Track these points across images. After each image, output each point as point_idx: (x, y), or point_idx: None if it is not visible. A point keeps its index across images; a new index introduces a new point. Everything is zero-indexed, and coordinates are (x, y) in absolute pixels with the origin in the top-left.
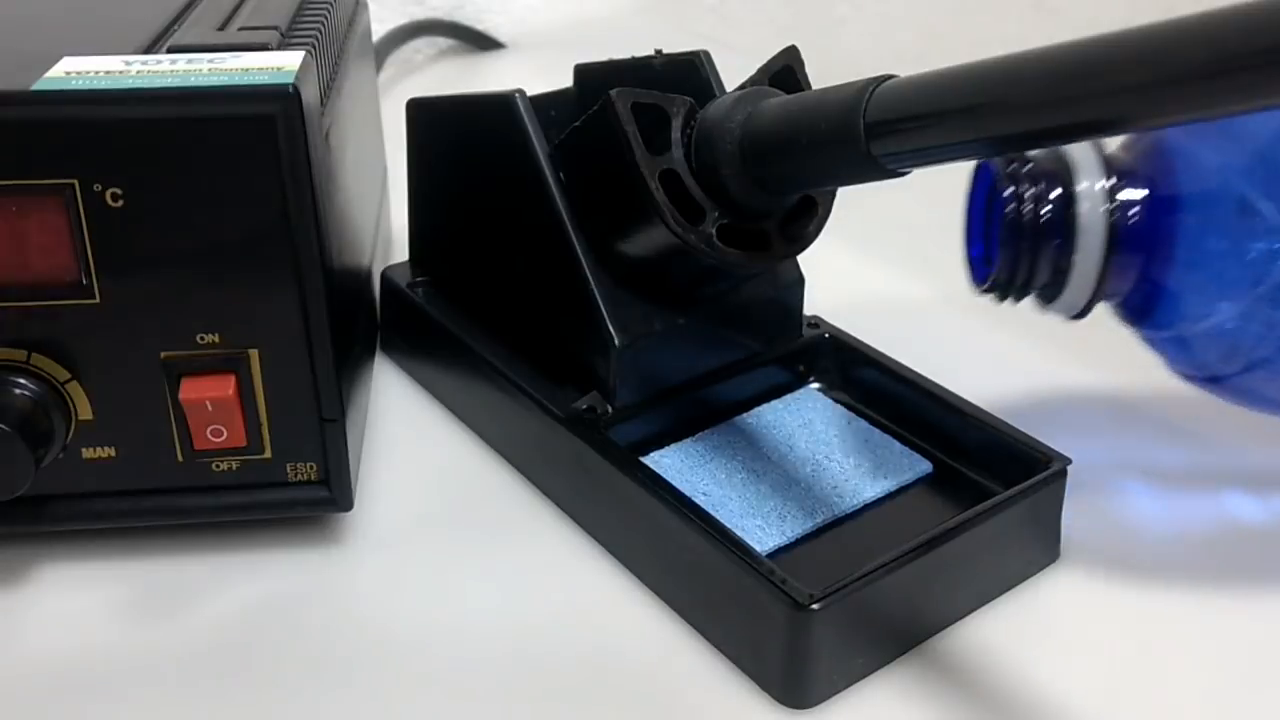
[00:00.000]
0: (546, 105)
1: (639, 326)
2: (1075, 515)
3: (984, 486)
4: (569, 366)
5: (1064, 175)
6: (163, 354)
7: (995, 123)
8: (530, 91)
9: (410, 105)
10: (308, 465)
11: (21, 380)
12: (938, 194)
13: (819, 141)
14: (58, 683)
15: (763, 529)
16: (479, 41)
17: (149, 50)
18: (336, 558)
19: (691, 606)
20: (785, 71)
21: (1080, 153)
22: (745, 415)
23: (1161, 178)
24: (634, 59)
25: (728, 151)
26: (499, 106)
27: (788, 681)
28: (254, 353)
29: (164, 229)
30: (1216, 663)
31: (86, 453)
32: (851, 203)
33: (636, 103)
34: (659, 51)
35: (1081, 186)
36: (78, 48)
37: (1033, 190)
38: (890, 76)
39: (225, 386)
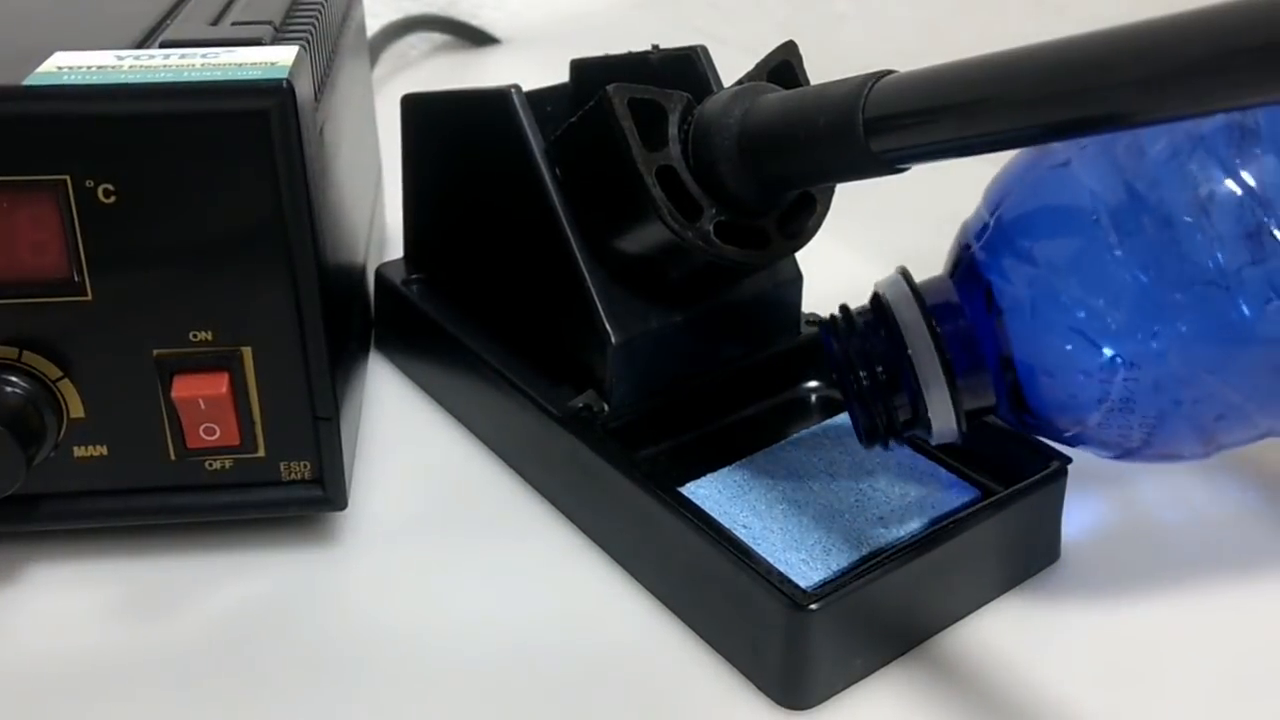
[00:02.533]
0: (542, 101)
1: (636, 324)
2: (1076, 515)
3: (983, 485)
4: (565, 364)
5: (890, 326)
6: (155, 351)
7: (995, 118)
8: (526, 87)
9: (405, 101)
10: (301, 464)
11: (13, 378)
12: (938, 189)
13: (817, 137)
14: (48, 683)
15: (806, 563)
16: (474, 37)
17: (142, 45)
18: (330, 557)
19: (688, 606)
20: (783, 67)
21: (900, 301)
22: (783, 442)
23: (977, 293)
24: (631, 54)
25: (725, 147)
26: (494, 102)
27: (786, 682)
28: (247, 350)
29: (157, 225)
30: (1219, 664)
31: (78, 451)
32: (851, 198)
33: (633, 98)
34: (656, 47)
35: (912, 341)
36: (70, 42)
37: (864, 357)
38: (889, 72)
39: (218, 384)
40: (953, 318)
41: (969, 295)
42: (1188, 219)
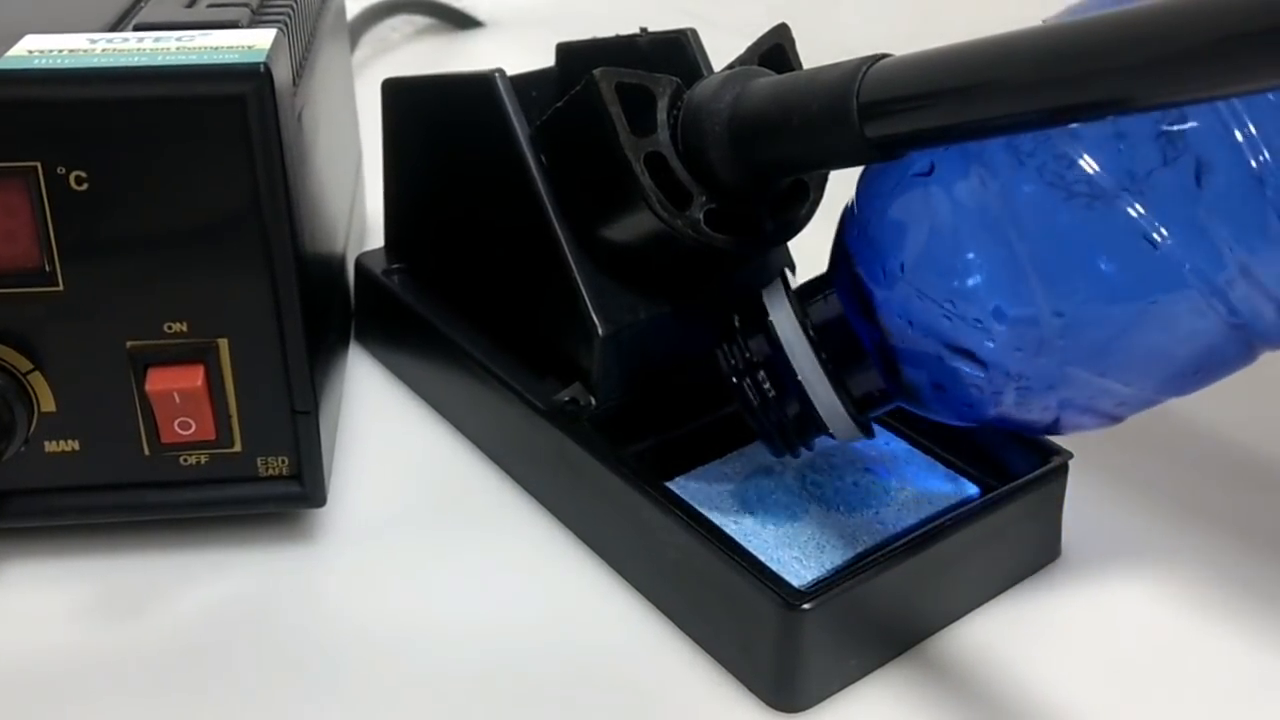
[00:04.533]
0: (527, 85)
1: (623, 315)
2: (1077, 512)
3: (983, 482)
4: (551, 357)
5: (768, 331)
6: (129, 343)
7: (994, 103)
8: (510, 71)
9: (386, 86)
10: (279, 459)
11: None
12: None
13: (810, 123)
14: (17, 685)
15: (799, 560)
16: (457, 19)
17: (114, 28)
18: (309, 555)
19: (678, 606)
20: (775, 50)
21: (774, 304)
22: (769, 469)
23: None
24: (618, 37)
25: (716, 133)
26: (478, 87)
27: (778, 684)
28: (223, 342)
29: (130, 213)
30: (1221, 664)
31: (49, 446)
32: (845, 186)
33: (621, 83)
34: (644, 30)
35: (782, 333)
36: (41, 25)
37: (749, 367)
38: (885, 55)
39: (193, 377)
40: (832, 323)
41: (845, 282)
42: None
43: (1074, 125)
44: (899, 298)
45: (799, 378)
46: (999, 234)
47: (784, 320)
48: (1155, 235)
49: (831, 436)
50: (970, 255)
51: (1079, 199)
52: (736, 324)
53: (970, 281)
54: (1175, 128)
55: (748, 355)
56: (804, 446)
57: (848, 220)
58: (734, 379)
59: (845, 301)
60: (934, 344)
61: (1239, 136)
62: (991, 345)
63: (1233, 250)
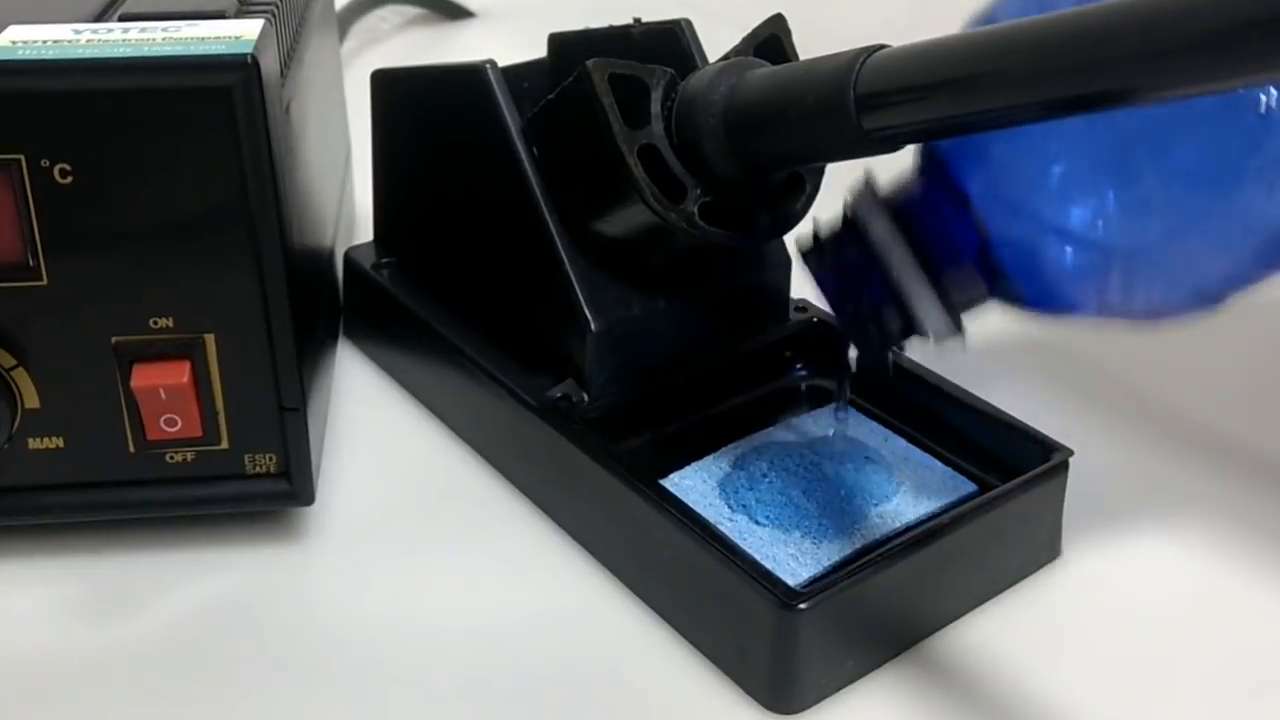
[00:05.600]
0: (519, 77)
1: (617, 310)
2: (1078, 510)
3: (982, 479)
4: (543, 353)
5: (862, 238)
6: (114, 339)
7: (993, 95)
8: (502, 62)
9: (375, 77)
10: (267, 457)
11: None
12: None
13: (807, 115)
14: (2, 685)
15: (795, 558)
16: (448, 9)
17: (99, 18)
18: (297, 555)
19: (673, 606)
20: (771, 41)
21: (866, 211)
22: (771, 429)
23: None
24: (611, 28)
25: (710, 125)
26: (469, 78)
27: (774, 685)
28: (210, 338)
29: (115, 207)
30: (1224, 664)
31: (33, 443)
32: (842, 179)
33: (614, 74)
34: (638, 20)
35: (873, 230)
36: (25, 15)
37: (843, 275)
38: (882, 46)
39: (180, 373)
40: (922, 215)
41: (937, 185)
42: None
43: None
44: (987, 172)
45: (895, 278)
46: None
47: (876, 225)
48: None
49: (924, 338)
50: (1073, 131)
51: None
52: (820, 233)
53: (1072, 161)
54: None
55: (842, 261)
56: (896, 348)
57: None
58: (828, 286)
59: (939, 199)
60: (1034, 228)
61: None
62: (1099, 223)
63: None
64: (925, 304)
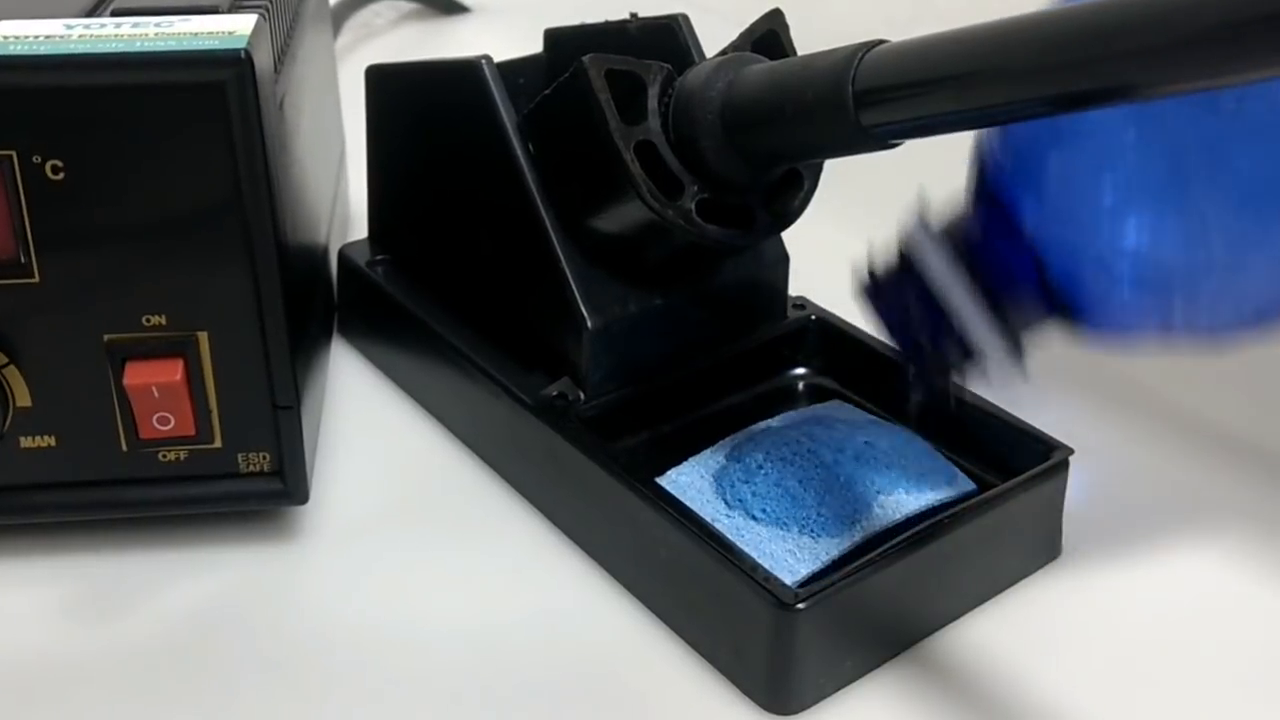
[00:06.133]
0: (515, 72)
1: (613, 308)
2: (1078, 509)
3: (981, 478)
4: (539, 350)
5: (919, 275)
6: (106, 336)
7: (993, 91)
8: (497, 58)
9: (369, 73)
10: (260, 455)
11: None
12: (932, 164)
13: (805, 111)
14: None
15: (793, 554)
16: (443, 5)
17: (91, 13)
18: (291, 554)
19: (670, 606)
20: (769, 36)
21: (922, 248)
22: (766, 424)
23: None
24: (608, 23)
25: (708, 122)
26: (464, 74)
27: (772, 685)
28: (203, 335)
29: (107, 203)
30: (1226, 664)
31: (25, 441)
32: (840, 175)
33: (610, 69)
34: (634, 15)
35: (927, 260)
36: (16, 10)
37: (903, 312)
38: (880, 42)
39: (172, 371)
40: (978, 245)
41: (991, 214)
42: None
43: None
44: (1052, 214)
45: (954, 311)
46: (1158, 130)
47: (932, 255)
48: None
49: (985, 374)
50: (1116, 141)
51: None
52: (875, 271)
53: (1127, 183)
54: None
55: (901, 298)
56: (957, 380)
57: (989, 151)
58: (888, 323)
59: (994, 229)
60: (1091, 252)
61: None
62: (1156, 245)
63: None
64: (986, 334)
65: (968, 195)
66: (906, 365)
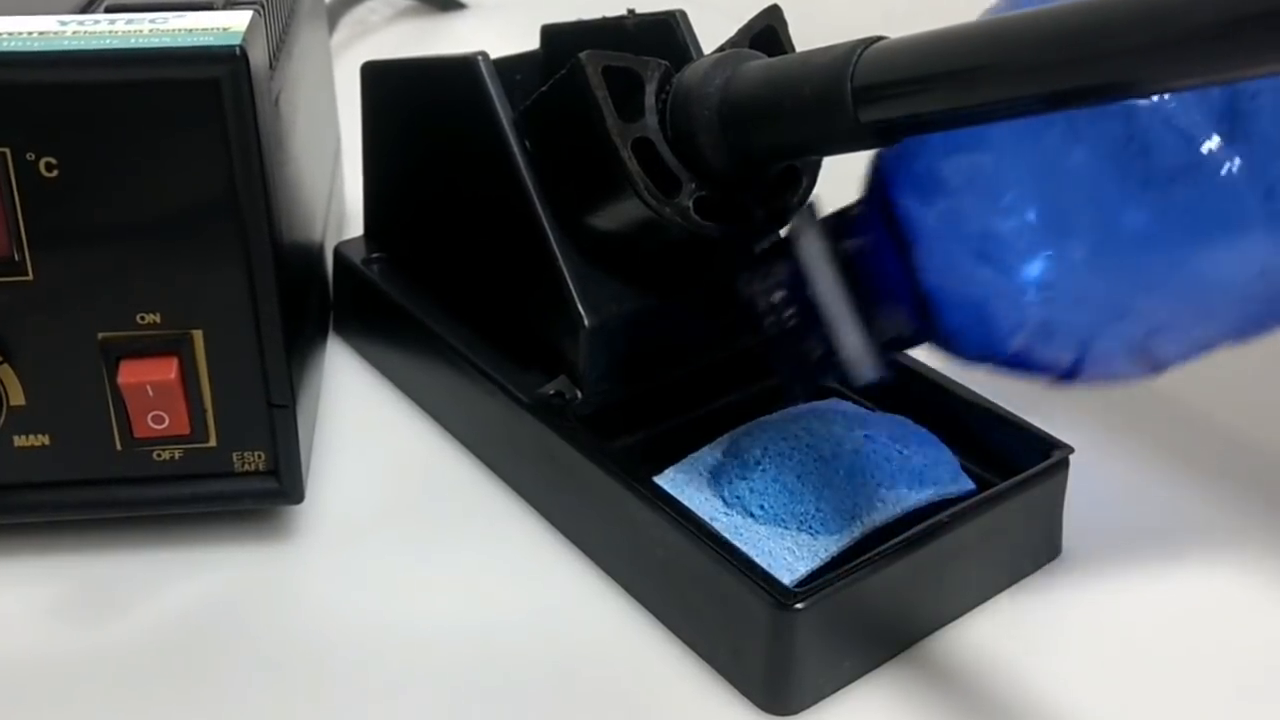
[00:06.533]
0: (511, 69)
1: (610, 306)
2: (1078, 508)
3: (981, 477)
4: (536, 349)
5: (794, 260)
6: (100, 335)
7: (994, 87)
8: (494, 54)
9: (365, 69)
10: (255, 454)
11: None
12: None
13: (803, 108)
14: None
15: (791, 552)
16: (439, 1)
17: (85, 10)
18: (286, 554)
19: (667, 606)
20: (767, 32)
21: (803, 234)
22: (762, 419)
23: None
24: (605, 19)
25: (705, 118)
26: (460, 70)
27: (769, 686)
28: (198, 334)
29: (102, 201)
30: (1227, 664)
31: (18, 440)
32: (838, 172)
33: (608, 66)
34: (632, 11)
35: (804, 252)
36: (10, 7)
37: (771, 296)
38: (880, 38)
39: (167, 369)
40: (861, 246)
41: (877, 219)
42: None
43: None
44: (935, 216)
45: (821, 306)
46: (1049, 143)
47: (810, 246)
48: (1220, 159)
49: (842, 374)
50: (1015, 168)
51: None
52: (761, 250)
53: (1013, 195)
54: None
55: (771, 282)
56: (819, 381)
57: (884, 157)
58: (754, 305)
59: (876, 226)
60: (967, 264)
61: None
62: (1032, 263)
63: None
64: (849, 336)
65: (862, 191)
66: (766, 350)
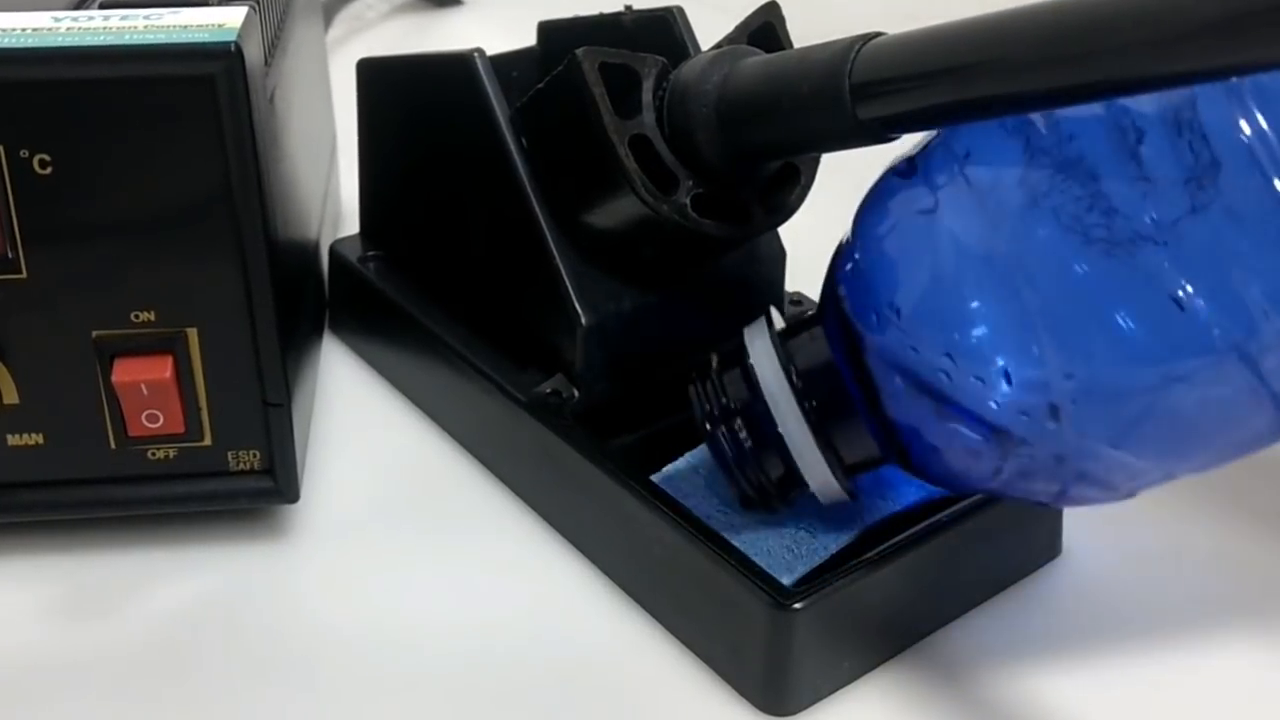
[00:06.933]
0: (508, 65)
1: (607, 305)
2: (1079, 508)
3: None
4: (532, 348)
5: (752, 382)
6: (94, 333)
7: (994, 83)
8: (490, 50)
9: (361, 66)
10: (250, 453)
11: None
12: None
13: (801, 104)
14: None
15: (791, 549)
16: None
17: (79, 6)
18: (281, 553)
19: (664, 606)
20: (765, 29)
21: (760, 355)
22: None
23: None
24: (602, 15)
25: (703, 115)
26: (456, 67)
27: (768, 686)
28: (193, 332)
29: (96, 198)
30: (1228, 663)
31: (12, 439)
32: (837, 169)
33: (605, 63)
34: (629, 8)
35: (764, 379)
36: (3, 3)
37: (728, 415)
38: (878, 34)
39: (162, 368)
40: (819, 370)
41: (839, 339)
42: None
43: (1094, 165)
44: (892, 345)
45: (779, 429)
46: (1007, 282)
47: (765, 363)
48: (1181, 292)
49: (809, 496)
50: (974, 304)
51: (1097, 245)
52: (714, 363)
53: (973, 334)
54: (1205, 171)
55: (724, 400)
56: (781, 504)
57: (841, 256)
58: (708, 425)
59: (834, 347)
60: (928, 401)
61: (1278, 185)
62: (995, 406)
63: (1268, 316)
64: (811, 461)
65: (819, 306)
66: (723, 469)
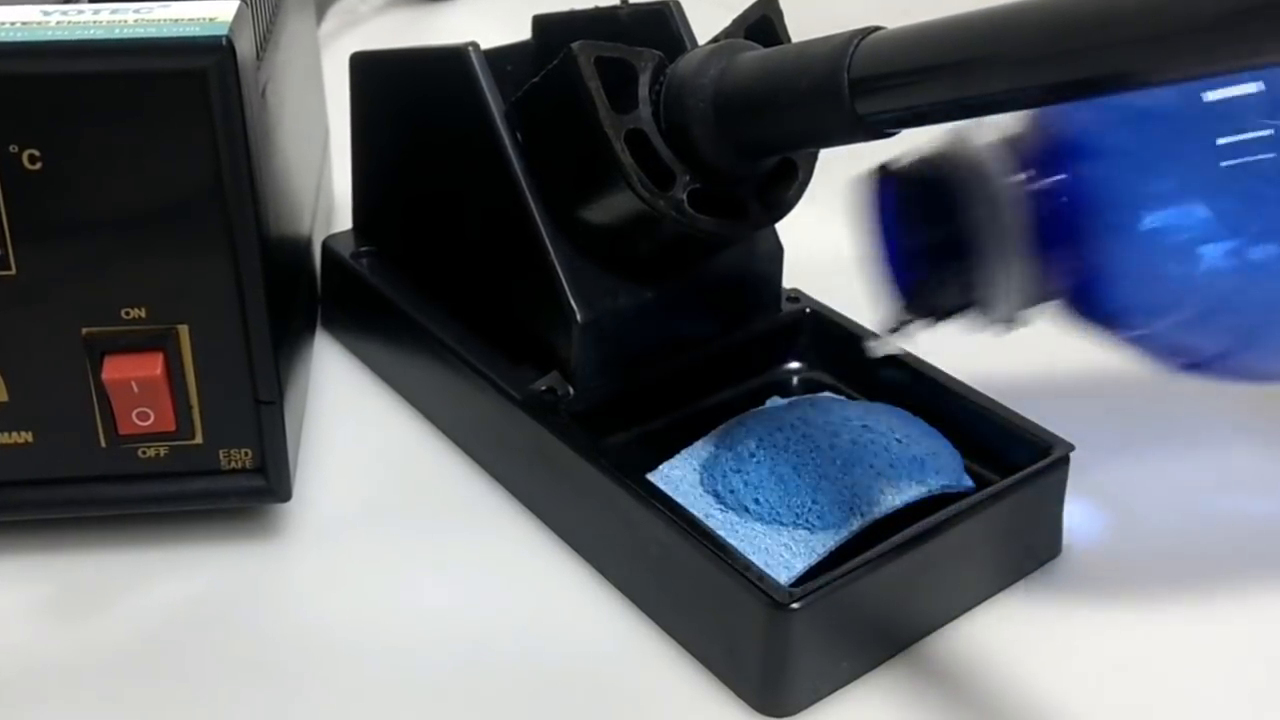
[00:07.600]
0: (502, 60)
1: (603, 301)
2: (1078, 506)
3: (980, 475)
4: (527, 344)
5: (967, 174)
6: (84, 330)
7: (992, 78)
8: (485, 44)
9: (354, 60)
10: (242, 452)
11: None
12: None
13: (799, 99)
14: None
15: (789, 548)
16: None
17: None
18: (273, 553)
19: (661, 605)
20: (763, 23)
21: (986, 151)
22: (756, 411)
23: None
24: (597, 9)
25: (700, 110)
26: (450, 61)
27: (765, 687)
28: (184, 329)
29: (86, 194)
30: (1228, 664)
31: (1, 438)
32: (835, 164)
33: (600, 57)
34: (625, 1)
35: (994, 182)
36: None
37: (924, 211)
38: (877, 28)
39: (152, 365)
40: (1043, 187)
41: (1069, 165)
42: None
43: None
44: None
45: (987, 240)
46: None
47: (997, 178)
48: None
49: (969, 317)
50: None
51: None
52: (903, 168)
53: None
54: None
55: (924, 197)
56: (937, 319)
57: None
58: (884, 209)
59: (1064, 178)
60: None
61: None
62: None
63: None
64: (1004, 286)
65: (1052, 136)
66: (885, 286)
